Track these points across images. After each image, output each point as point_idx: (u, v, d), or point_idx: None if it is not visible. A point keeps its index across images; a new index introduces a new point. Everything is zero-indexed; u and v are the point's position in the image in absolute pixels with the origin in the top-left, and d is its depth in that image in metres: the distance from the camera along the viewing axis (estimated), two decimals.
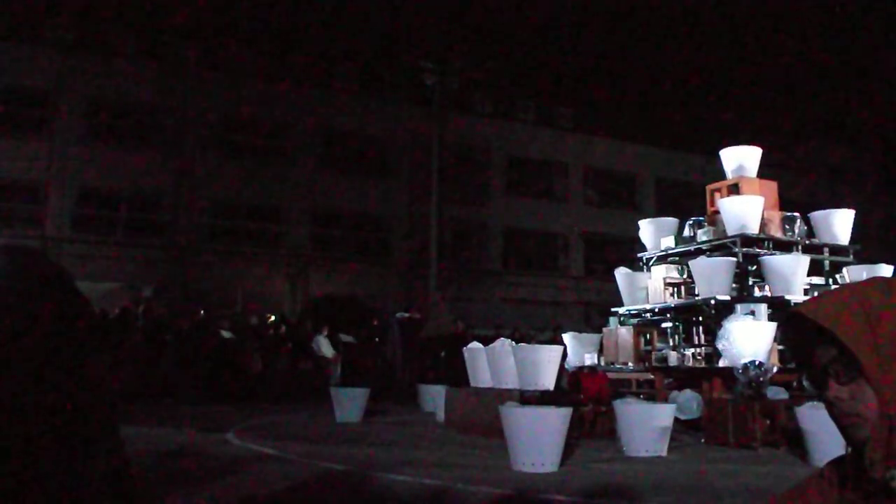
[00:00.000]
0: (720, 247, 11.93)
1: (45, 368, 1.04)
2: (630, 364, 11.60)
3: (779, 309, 10.86)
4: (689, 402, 9.77)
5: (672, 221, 13.34)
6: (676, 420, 8.89)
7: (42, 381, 1.04)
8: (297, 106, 25.63)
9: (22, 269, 1.08)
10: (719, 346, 10.08)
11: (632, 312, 12.72)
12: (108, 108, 23.63)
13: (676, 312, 12.17)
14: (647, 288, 12.52)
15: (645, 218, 14.29)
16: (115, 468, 1.16)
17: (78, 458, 1.09)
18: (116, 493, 1.15)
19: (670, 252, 12.68)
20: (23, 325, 1.04)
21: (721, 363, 10.05)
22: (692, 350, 11.59)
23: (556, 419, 7.19)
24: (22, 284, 1.07)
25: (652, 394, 10.90)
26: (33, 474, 1.04)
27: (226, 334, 16.76)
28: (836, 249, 12.36)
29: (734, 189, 12.39)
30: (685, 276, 12.17)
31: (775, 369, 9.77)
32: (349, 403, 12.01)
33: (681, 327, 12.26)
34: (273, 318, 19.44)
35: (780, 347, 10.73)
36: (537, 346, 11.42)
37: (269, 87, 25.45)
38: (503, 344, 10.76)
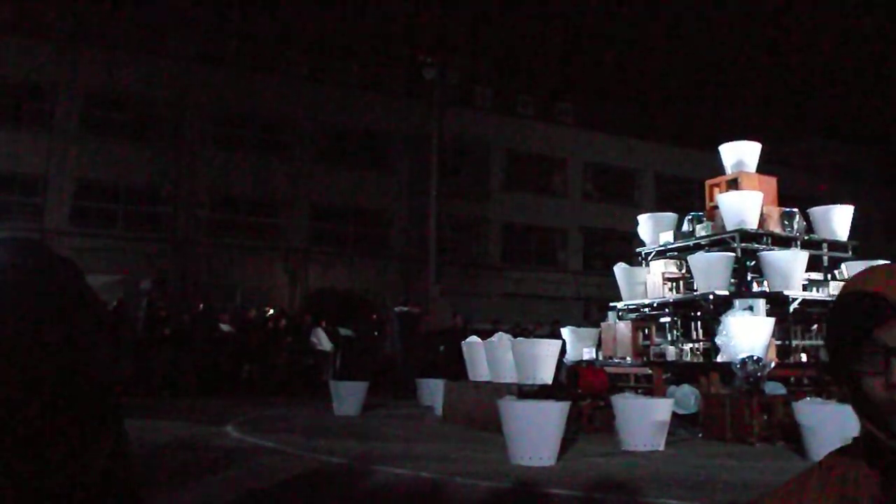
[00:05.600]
0: (719, 242, 11.94)
1: (51, 361, 1.05)
2: (628, 358, 11.62)
3: (777, 304, 10.88)
4: (686, 396, 9.80)
5: (671, 216, 13.34)
6: (674, 414, 8.92)
7: (48, 373, 1.05)
8: (297, 100, 25.61)
9: (27, 262, 1.09)
10: (717, 341, 10.10)
11: (630, 307, 12.73)
12: (107, 102, 23.58)
13: (675, 307, 12.18)
14: (646, 283, 12.53)
15: (644, 213, 14.28)
16: (116, 460, 1.17)
17: (80, 449, 1.10)
18: (117, 485, 1.16)
19: (669, 247, 12.70)
20: (29, 318, 1.04)
21: (719, 358, 10.07)
22: (690, 345, 11.61)
23: (554, 413, 7.21)
24: (28, 277, 1.08)
25: (650, 388, 10.91)
26: (34, 466, 1.05)
27: (225, 327, 16.78)
28: (834, 245, 12.36)
29: (733, 184, 12.38)
30: (684, 271, 12.17)
31: (773, 364, 9.80)
32: (348, 397, 12.03)
33: (679, 322, 12.27)
34: (272, 311, 19.45)
35: (778, 342, 10.77)
36: (536, 340, 11.43)
37: (269, 81, 25.43)
38: (501, 338, 10.78)
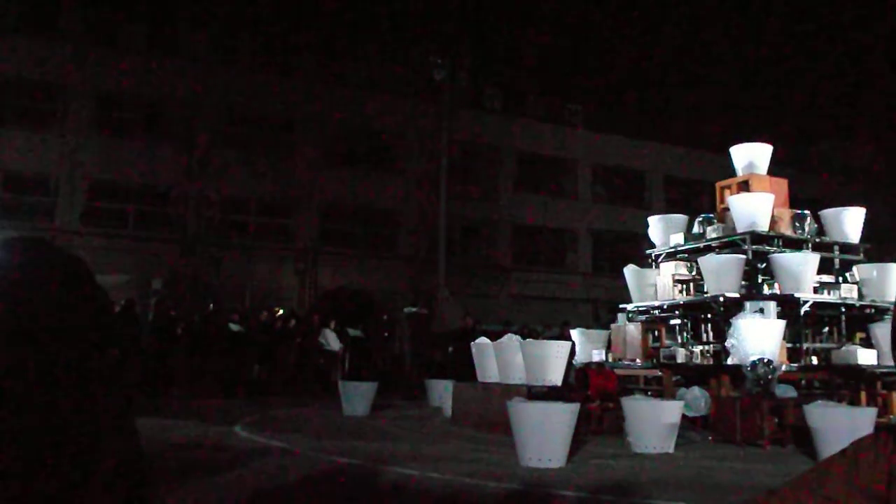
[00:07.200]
0: (729, 244, 11.89)
1: (63, 358, 1.05)
2: (638, 361, 11.59)
3: (788, 307, 10.82)
4: (697, 399, 9.76)
5: (681, 218, 13.30)
6: (684, 417, 8.89)
7: (59, 371, 1.06)
8: (307, 101, 25.65)
9: (40, 262, 1.09)
10: (728, 343, 10.06)
11: (640, 309, 12.69)
12: (118, 102, 23.69)
13: (685, 309, 12.14)
14: (656, 285, 12.49)
15: (654, 215, 14.24)
16: (127, 458, 1.17)
17: (91, 448, 1.10)
18: (128, 483, 1.17)
19: (679, 249, 12.65)
20: (40, 317, 1.05)
21: (729, 361, 10.03)
22: (700, 347, 11.56)
23: (563, 415, 7.19)
24: (40, 277, 1.08)
25: (660, 391, 10.88)
26: (47, 463, 1.05)
27: (234, 327, 16.83)
28: (846, 247, 12.29)
29: (744, 186, 12.33)
30: (694, 273, 12.13)
31: (784, 367, 9.76)
32: (357, 397, 12.05)
33: (689, 324, 12.23)
34: (281, 311, 19.49)
35: (789, 345, 10.71)
36: (545, 341, 11.41)
37: (279, 82, 25.48)
38: (511, 339, 10.77)
